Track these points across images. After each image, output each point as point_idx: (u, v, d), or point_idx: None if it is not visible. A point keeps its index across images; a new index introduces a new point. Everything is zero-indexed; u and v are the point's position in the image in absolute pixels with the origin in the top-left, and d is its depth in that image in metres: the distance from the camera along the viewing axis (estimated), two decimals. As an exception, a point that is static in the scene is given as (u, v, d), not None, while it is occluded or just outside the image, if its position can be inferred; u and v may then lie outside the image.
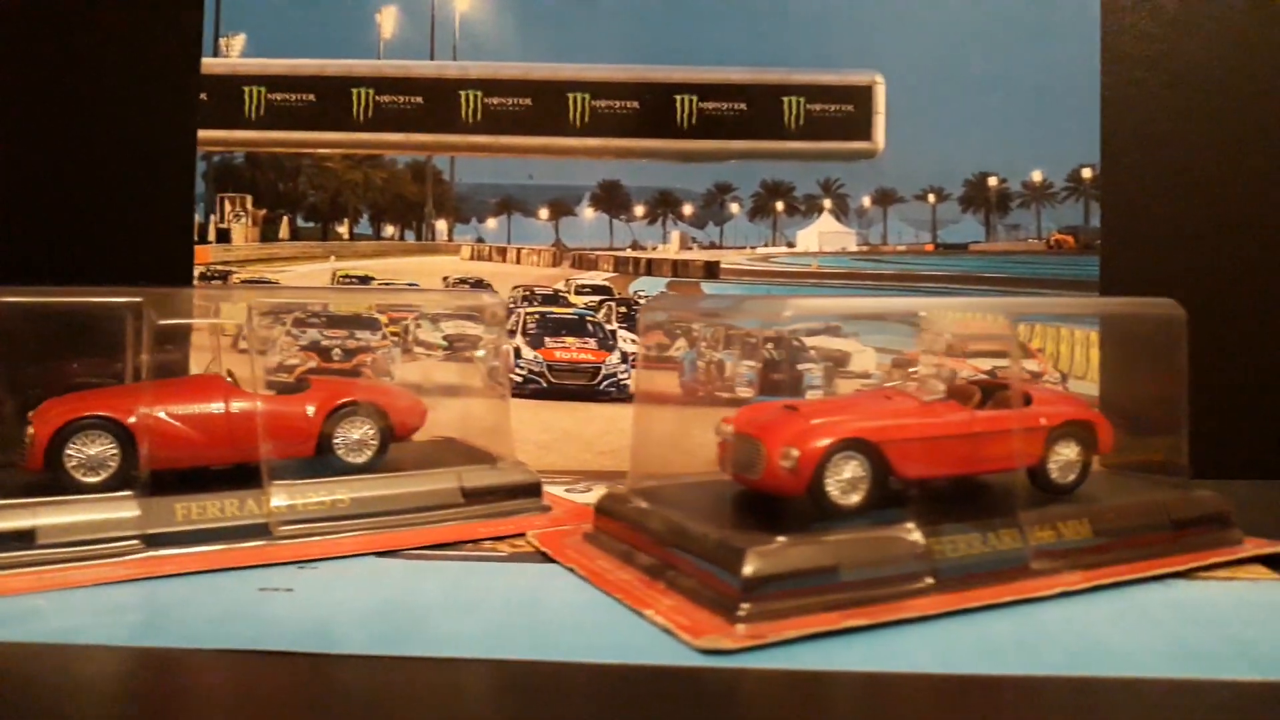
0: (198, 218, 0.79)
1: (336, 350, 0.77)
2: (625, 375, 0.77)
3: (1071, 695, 0.36)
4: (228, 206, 0.79)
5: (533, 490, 0.59)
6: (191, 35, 0.80)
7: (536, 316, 0.77)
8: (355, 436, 0.58)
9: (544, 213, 0.78)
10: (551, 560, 0.51)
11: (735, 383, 0.72)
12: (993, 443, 0.50)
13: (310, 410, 0.57)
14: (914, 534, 0.45)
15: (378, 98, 0.78)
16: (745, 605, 0.42)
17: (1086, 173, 0.74)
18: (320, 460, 0.57)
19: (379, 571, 0.50)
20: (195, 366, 0.78)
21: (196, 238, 0.79)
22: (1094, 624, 0.43)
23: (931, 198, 0.75)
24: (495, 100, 0.77)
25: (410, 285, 0.79)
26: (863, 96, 0.75)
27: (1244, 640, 0.41)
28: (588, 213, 0.77)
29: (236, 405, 0.55)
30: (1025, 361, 0.75)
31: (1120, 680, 0.37)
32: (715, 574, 0.43)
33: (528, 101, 0.77)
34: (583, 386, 0.76)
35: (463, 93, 0.77)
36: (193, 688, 0.37)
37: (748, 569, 0.42)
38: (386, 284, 0.79)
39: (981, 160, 0.75)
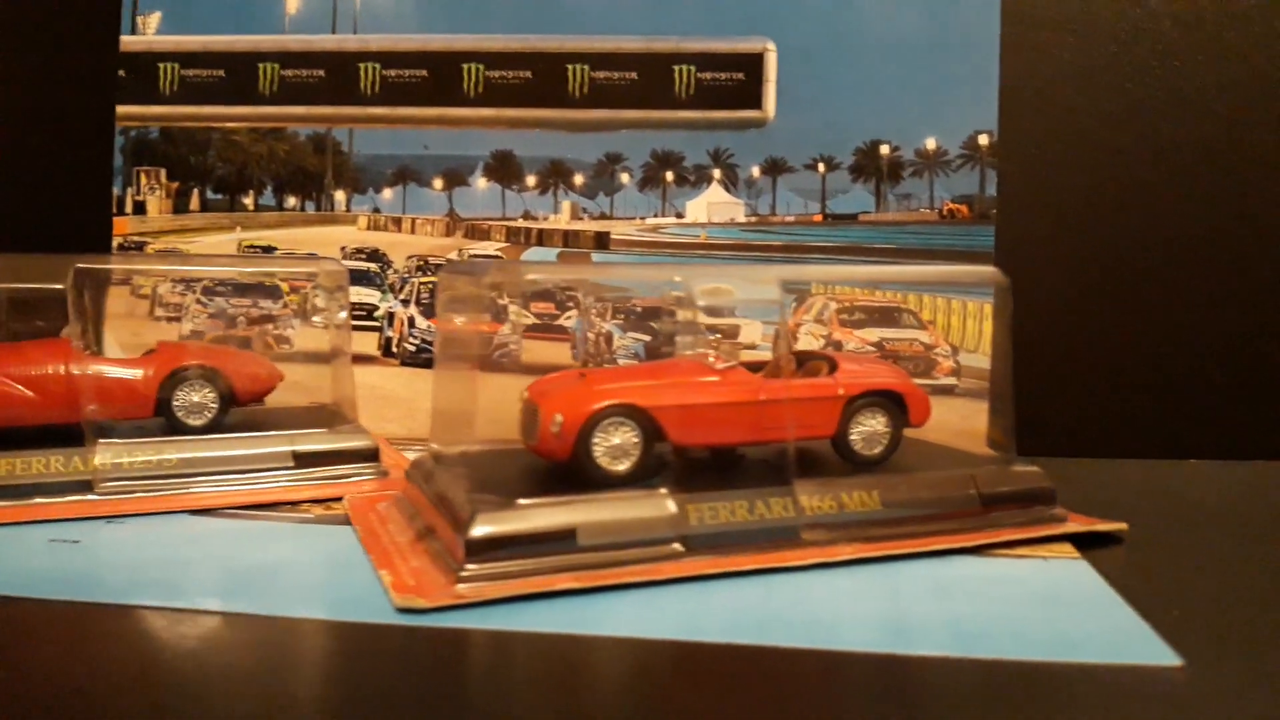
0: (115, 190, 0.82)
1: (240, 318, 0.78)
2: (517, 346, 0.77)
3: (760, 664, 0.36)
4: (143, 180, 0.82)
5: (369, 455, 0.60)
6: (111, 14, 0.82)
7: (429, 286, 0.78)
8: (195, 399, 0.60)
9: (438, 183, 0.78)
10: (347, 523, 0.52)
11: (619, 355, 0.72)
12: (779, 412, 0.49)
13: (146, 374, 0.58)
14: (665, 500, 0.45)
15: (282, 72, 0.79)
16: (471, 566, 0.42)
17: (983, 139, 0.72)
18: (166, 423, 0.59)
19: (182, 529, 0.51)
20: (110, 334, 0.81)
21: (115, 210, 0.82)
22: (842, 596, 0.42)
23: (821, 167, 0.74)
24: (393, 72, 0.78)
25: (268, 251, 0.80)
26: (753, 64, 0.74)
27: (989, 617, 0.39)
28: (481, 183, 0.78)
29: (76, 369, 0.57)
30: (916, 333, 0.73)
31: (818, 652, 0.36)
32: (455, 536, 0.43)
33: (424, 73, 0.78)
34: (477, 355, 0.77)
35: (362, 65, 0.78)
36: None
37: (473, 531, 0.42)
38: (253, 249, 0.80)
39: (874, 128, 0.73)
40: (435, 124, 0.78)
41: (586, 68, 0.76)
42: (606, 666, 0.36)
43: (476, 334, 0.48)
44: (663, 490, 0.45)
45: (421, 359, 0.78)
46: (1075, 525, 0.51)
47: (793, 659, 0.36)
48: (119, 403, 0.58)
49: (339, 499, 0.56)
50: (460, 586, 0.41)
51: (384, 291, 0.79)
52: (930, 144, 0.73)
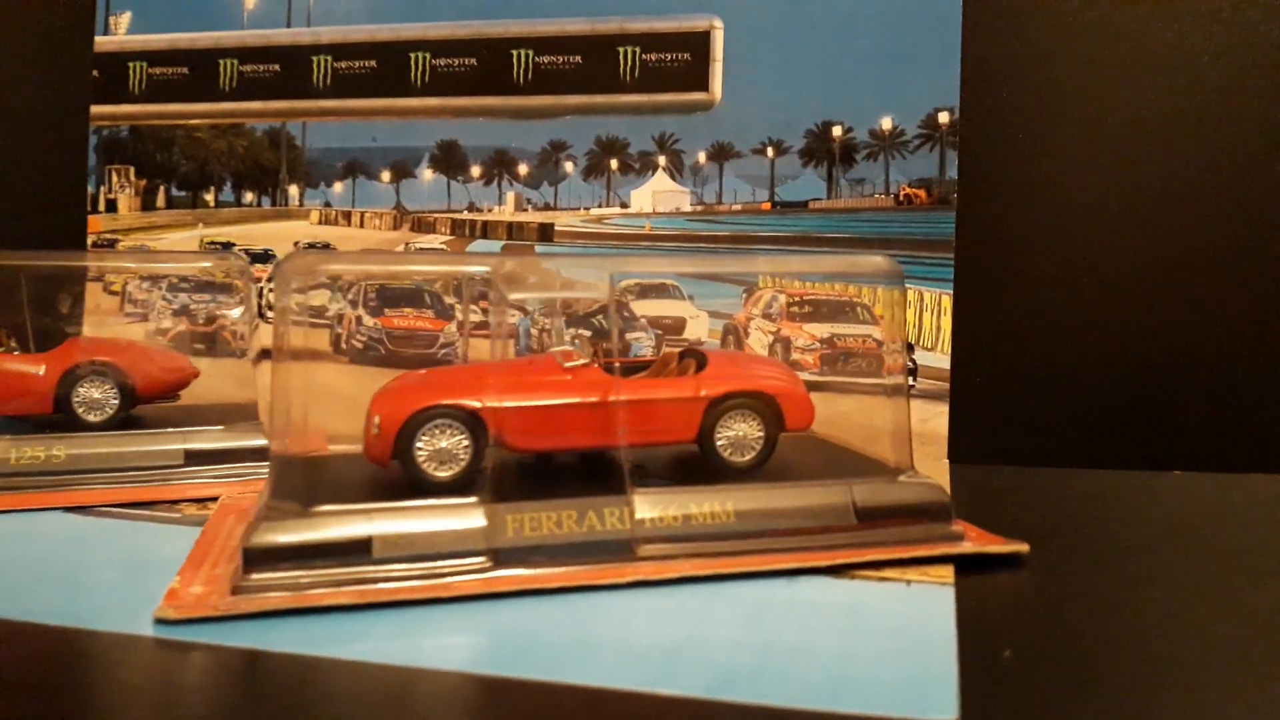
0: (89, 189, 0.83)
1: (202, 314, 0.79)
2: (464, 344, 0.75)
3: (488, 695, 0.32)
4: (114, 178, 0.83)
5: (264, 454, 0.59)
6: (86, 15, 0.83)
7: (376, 285, 0.76)
8: (95, 396, 0.59)
9: (386, 176, 0.77)
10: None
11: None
12: (630, 414, 0.45)
13: (40, 370, 0.58)
14: (475, 510, 0.42)
15: (241, 68, 0.79)
16: (253, 576, 0.39)
17: (943, 117, 0.66)
18: (69, 419, 0.59)
19: (41, 527, 0.51)
20: (87, 328, 0.83)
21: (89, 208, 0.83)
22: (643, 621, 0.38)
23: (770, 151, 0.69)
24: (344, 64, 0.77)
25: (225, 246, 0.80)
26: (700, 43, 0.69)
27: (777, 650, 0.35)
28: (427, 174, 0.76)
29: (-23, 364, 0.58)
30: (869, 329, 0.68)
31: (564, 686, 0.33)
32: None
33: (373, 64, 0.76)
34: (421, 354, 0.75)
35: (314, 58, 0.77)
36: None
37: (254, 540, 0.40)
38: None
39: (825, 108, 0.68)
40: (384, 115, 0.76)
41: (531, 53, 0.73)
42: (341, 695, 0.33)
43: (304, 329, 0.45)
44: (473, 499, 0.42)
45: (369, 356, 0.77)
46: (968, 546, 0.45)
47: (527, 692, 0.32)
48: (18, 399, 0.58)
49: (215, 499, 0.55)
50: (228, 599, 0.39)
51: (333, 291, 0.78)
52: (886, 124, 0.67)
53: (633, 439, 0.45)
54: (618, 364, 0.45)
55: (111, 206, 0.83)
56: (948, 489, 0.58)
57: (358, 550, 0.40)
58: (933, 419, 0.65)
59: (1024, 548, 0.45)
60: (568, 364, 0.46)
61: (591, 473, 0.46)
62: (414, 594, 0.39)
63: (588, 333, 0.54)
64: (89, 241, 0.84)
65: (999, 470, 0.63)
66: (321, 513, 0.41)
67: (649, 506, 0.43)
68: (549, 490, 0.43)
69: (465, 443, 0.44)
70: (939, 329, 0.66)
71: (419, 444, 0.44)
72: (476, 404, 0.44)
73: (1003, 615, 0.40)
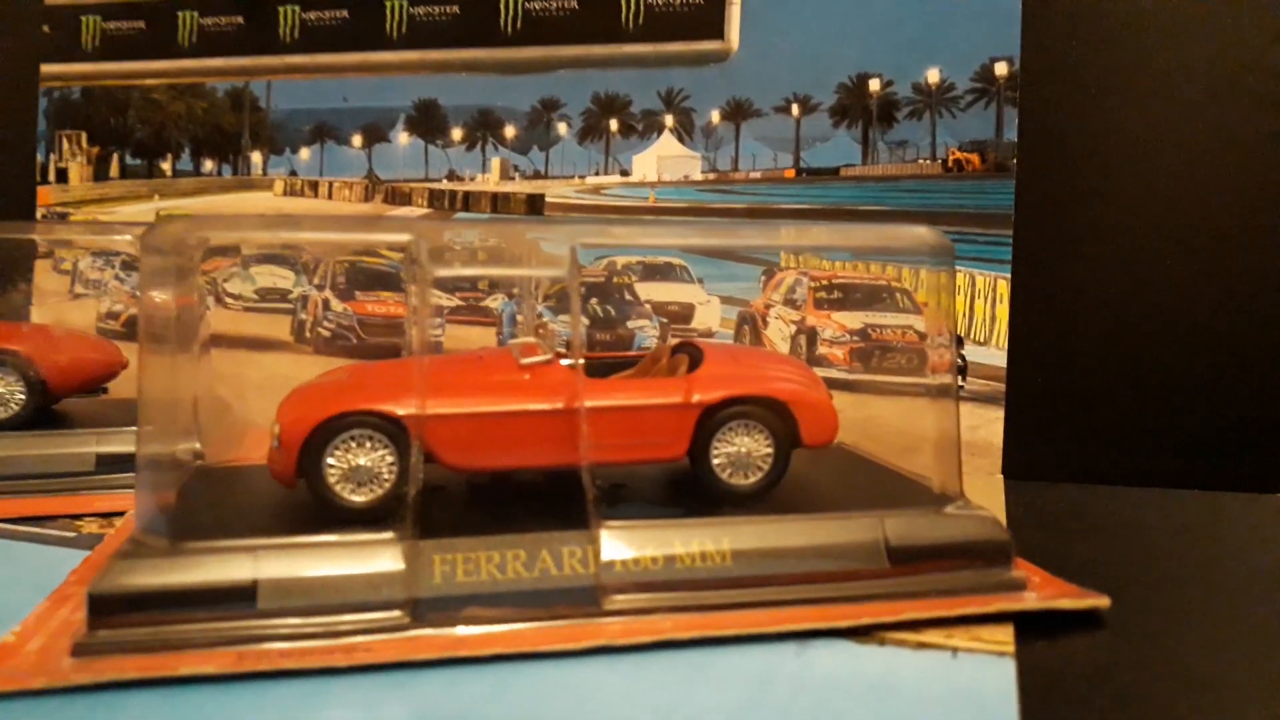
0: (38, 157, 0.75)
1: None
2: (439, 331, 0.65)
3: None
4: (65, 144, 0.75)
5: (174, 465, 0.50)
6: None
7: (345, 266, 0.67)
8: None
9: (357, 140, 0.67)
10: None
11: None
12: (601, 424, 0.36)
13: (-70, 360, 0.50)
14: (391, 549, 0.32)
15: (201, 20, 0.71)
16: (97, 633, 0.30)
17: (1001, 69, 0.55)
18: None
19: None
20: (37, 306, 0.75)
21: (38, 177, 0.75)
22: (611, 703, 0.29)
23: (795, 110, 0.59)
24: (313, 14, 0.68)
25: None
26: (714, -17, 0.60)
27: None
28: (403, 138, 0.66)
29: None
30: (909, 318, 0.58)
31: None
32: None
33: (344, 13, 0.67)
34: (396, 343, 0.66)
35: (281, 8, 0.68)
36: None
37: (99, 584, 0.31)
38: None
39: (861, 58, 0.57)
40: (356, 70, 0.67)
41: (520, -3, 0.63)
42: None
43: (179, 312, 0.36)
44: (388, 535, 0.33)
45: (338, 346, 0.68)
46: (1032, 598, 0.35)
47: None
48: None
49: (124, 513, 0.46)
50: (65, 664, 0.30)
51: (298, 272, 0.69)
52: (932, 77, 0.57)
53: (604, 456, 0.36)
54: (580, 360, 0.35)
55: (62, 176, 0.75)
56: (1003, 513, 0.48)
57: (238, 599, 0.31)
58: (985, 426, 0.55)
59: (1103, 602, 0.35)
60: (525, 360, 0.37)
61: (549, 500, 0.37)
62: (308, 659, 0.30)
63: (550, 318, 0.44)
64: (38, 215, 0.76)
65: (1064, 490, 0.52)
66: (194, 549, 0.32)
67: (620, 544, 0.34)
68: (491, 522, 0.34)
69: (390, 459, 0.35)
70: (993, 319, 0.56)
71: (330, 460, 0.35)
72: (402, 410, 0.35)
73: (1078, 696, 0.30)
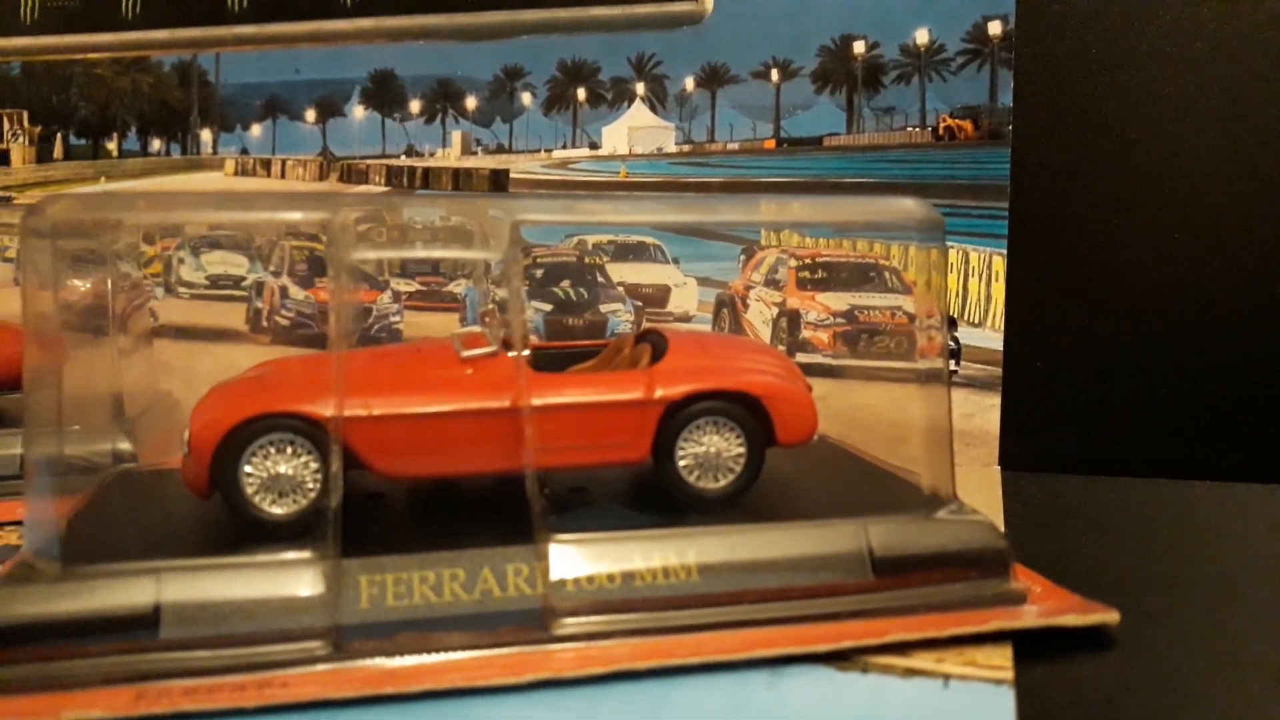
0: (-22, 137, 0.71)
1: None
2: (398, 318, 0.62)
3: None
4: (6, 124, 0.71)
5: (122, 462, 0.46)
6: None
7: (306, 252, 0.63)
8: (-89, 387, 0.47)
9: (311, 115, 0.63)
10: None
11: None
12: (551, 424, 0.32)
13: None
14: (310, 569, 0.29)
15: (145, -13, 0.66)
16: (-27, 667, 0.27)
17: (995, 28, 0.51)
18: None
19: None
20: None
21: (-22, 160, 0.71)
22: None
23: (775, 75, 0.54)
24: (261, -20, 0.63)
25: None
26: (687, -61, 0.55)
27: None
28: (358, 112, 0.62)
29: None
30: (899, 299, 0.54)
31: None
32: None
33: (296, -21, 0.63)
34: (362, 334, 0.62)
35: (228, -26, 0.64)
36: None
37: (-25, 614, 0.27)
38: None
39: (845, 19, 0.53)
40: (309, 40, 0.63)
41: (481, -41, 0.59)
42: None
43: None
44: (306, 553, 0.29)
45: (298, 335, 0.64)
46: (1032, 614, 0.32)
47: None
48: None
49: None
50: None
51: (252, 258, 0.65)
52: (921, 38, 0.53)
53: (555, 460, 0.32)
54: (522, 353, 0.32)
55: (4, 159, 0.71)
56: (1000, 508, 0.45)
57: (138, 627, 0.28)
58: (980, 414, 0.52)
59: (1112, 617, 0.31)
60: (467, 353, 0.33)
61: (494, 510, 0.33)
62: (215, 698, 0.27)
63: (494, 305, 0.41)
64: (-19, 199, 0.71)
65: (1065, 482, 0.49)
66: (86, 572, 0.28)
67: (572, 560, 0.30)
68: (427, 538, 0.30)
69: (315, 466, 0.31)
70: (989, 299, 0.52)
71: (247, 469, 0.31)
72: (327, 412, 0.31)
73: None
